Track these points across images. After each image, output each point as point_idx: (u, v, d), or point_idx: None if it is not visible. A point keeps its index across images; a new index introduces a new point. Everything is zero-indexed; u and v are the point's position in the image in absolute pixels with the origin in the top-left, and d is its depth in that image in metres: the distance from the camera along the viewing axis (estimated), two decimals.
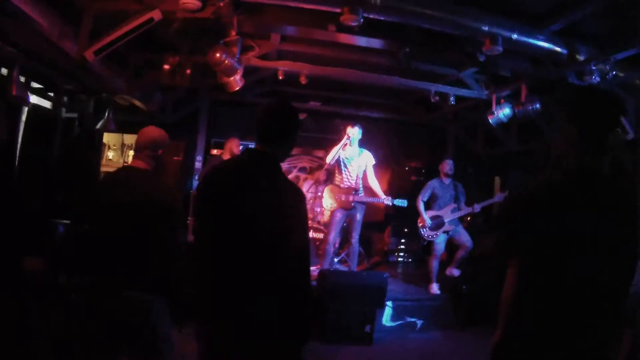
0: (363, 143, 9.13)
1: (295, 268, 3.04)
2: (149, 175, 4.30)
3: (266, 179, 3.10)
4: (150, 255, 4.03)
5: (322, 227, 10.29)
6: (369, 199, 9.19)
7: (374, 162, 9.18)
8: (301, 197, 3.21)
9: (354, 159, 9.06)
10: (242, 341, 2.98)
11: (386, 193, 9.09)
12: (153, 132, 4.45)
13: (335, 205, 9.07)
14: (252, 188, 3.06)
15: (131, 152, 14.96)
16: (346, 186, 9.04)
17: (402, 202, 9.10)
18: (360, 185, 9.09)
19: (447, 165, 9.59)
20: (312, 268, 9.36)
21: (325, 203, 9.71)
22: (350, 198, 8.92)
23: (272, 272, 2.97)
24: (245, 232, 2.98)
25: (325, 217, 10.43)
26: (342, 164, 9.12)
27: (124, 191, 4.10)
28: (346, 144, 8.94)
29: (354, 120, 9.37)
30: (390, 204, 9.02)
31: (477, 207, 9.24)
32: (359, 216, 9.10)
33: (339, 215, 9.05)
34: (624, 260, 2.65)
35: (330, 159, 8.97)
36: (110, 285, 3.96)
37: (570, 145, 2.81)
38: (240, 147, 9.71)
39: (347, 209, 9.00)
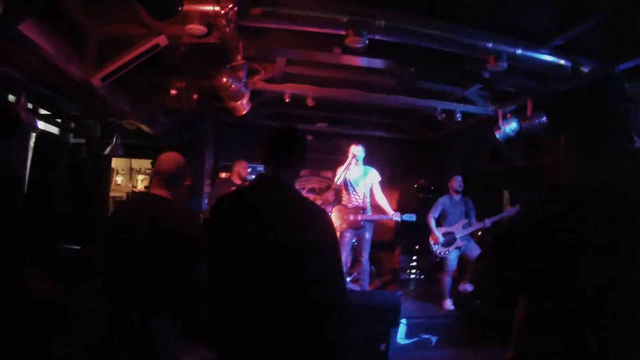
0: (369, 162, 9.15)
1: (325, 292, 2.90)
2: (172, 205, 4.27)
3: (281, 203, 3.05)
4: (171, 285, 4.02)
5: None
6: (378, 217, 9.21)
7: (379, 179, 9.21)
8: (322, 216, 3.10)
9: (360, 177, 9.09)
10: None
11: (394, 211, 9.07)
12: (177, 159, 4.43)
13: (344, 225, 9.06)
14: (268, 213, 2.99)
15: (140, 177, 15.04)
16: (354, 205, 9.05)
17: (410, 217, 9.10)
18: (368, 204, 9.10)
19: (457, 182, 9.62)
20: None
21: (335, 223, 9.71)
22: (359, 217, 8.93)
23: (298, 299, 2.83)
24: (265, 259, 2.87)
25: None
26: (348, 183, 9.14)
27: (147, 220, 4.06)
28: (351, 163, 8.95)
29: (358, 140, 9.38)
30: (399, 219, 9.01)
31: (487, 222, 9.23)
32: (367, 235, 9.10)
33: (348, 235, 9.05)
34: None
35: (338, 179, 8.99)
36: (122, 310, 3.96)
37: (561, 158, 2.54)
38: (249, 169, 9.73)
39: (356, 228, 8.99)
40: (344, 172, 9.01)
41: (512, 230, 2.56)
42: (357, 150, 8.93)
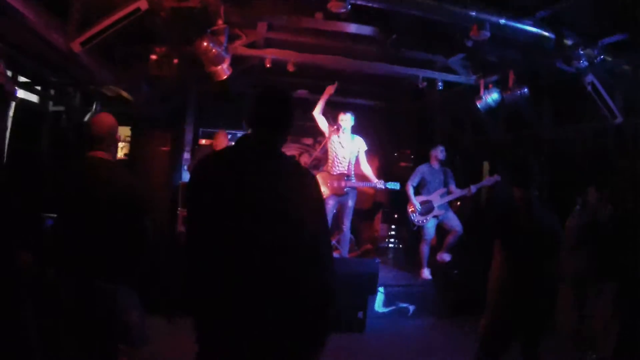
0: (353, 130, 9.11)
1: (311, 257, 2.84)
2: (113, 164, 4.30)
3: (267, 164, 2.96)
4: (114, 244, 4.01)
5: None
6: (362, 184, 9.21)
7: (366, 148, 9.19)
8: (309, 178, 3.06)
9: (346, 145, 9.07)
10: (246, 341, 2.78)
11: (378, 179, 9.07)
12: (110, 120, 4.41)
13: (327, 192, 9.04)
14: (253, 174, 2.89)
15: (120, 144, 14.93)
16: (338, 172, 9.03)
17: (394, 185, 9.11)
18: (353, 172, 9.09)
19: (440, 151, 9.60)
20: None
21: None
22: (343, 184, 8.92)
23: (282, 263, 2.78)
24: (249, 221, 2.79)
25: None
26: (334, 150, 9.12)
27: (90, 182, 4.08)
28: (337, 131, 8.94)
29: (344, 108, 9.34)
30: (383, 187, 9.01)
31: (473, 189, 9.29)
32: (350, 203, 9.10)
33: (330, 202, 9.01)
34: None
35: (317, 112, 9.24)
36: (76, 275, 3.96)
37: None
38: (229, 137, 9.70)
39: (340, 195, 8.99)
40: (329, 139, 9.05)
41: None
42: (345, 119, 8.92)
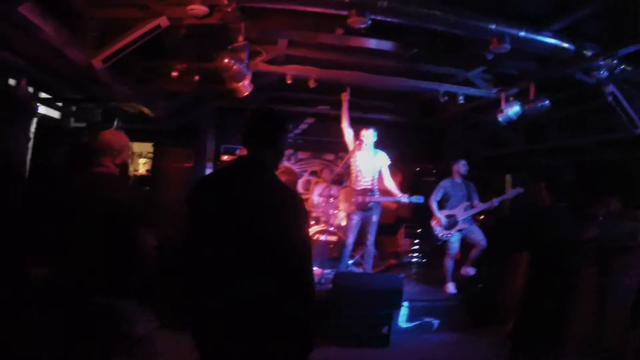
0: (375, 145, 9.09)
1: (293, 271, 2.99)
2: (112, 178, 4.34)
3: (254, 183, 3.09)
4: (111, 257, 4.05)
5: (335, 230, 10.28)
6: (385, 198, 9.20)
7: (389, 162, 9.18)
8: (293, 198, 3.17)
9: (369, 160, 9.05)
10: (237, 348, 2.95)
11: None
12: (112, 135, 4.50)
13: (352, 207, 9.03)
14: (241, 193, 3.04)
15: (141, 160, 15.02)
16: (361, 187, 9.03)
17: (418, 199, 9.08)
18: (376, 187, 9.07)
19: (462, 165, 9.58)
20: (326, 271, 9.37)
21: (341, 206, 9.67)
22: (367, 199, 8.91)
23: (266, 277, 2.93)
24: (237, 238, 2.95)
25: (339, 219, 10.41)
26: (356, 166, 9.11)
27: (87, 196, 4.14)
28: (360, 147, 8.94)
29: (364, 124, 9.34)
30: (407, 201, 8.98)
31: (495, 202, 9.24)
32: (374, 218, 9.09)
33: (355, 217, 9.03)
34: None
35: (345, 124, 9.31)
36: (76, 288, 3.98)
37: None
38: None
39: (364, 210, 8.98)
40: (352, 155, 9.07)
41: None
42: (367, 135, 8.94)
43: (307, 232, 3.31)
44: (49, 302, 4.20)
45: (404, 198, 8.93)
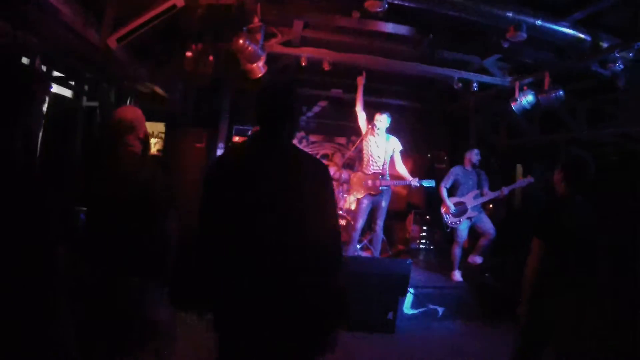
0: (388, 130, 9.08)
1: (322, 249, 2.96)
2: (139, 159, 4.28)
3: (271, 158, 3.02)
4: (139, 239, 4.03)
5: (344, 214, 10.29)
6: (396, 182, 9.19)
7: (401, 148, 9.15)
8: (321, 169, 3.12)
9: (381, 145, 9.04)
10: (263, 331, 2.88)
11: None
12: (133, 111, 4.38)
13: (362, 191, 9.04)
14: (257, 168, 2.98)
15: (153, 140, 15.02)
16: (372, 172, 9.03)
17: (429, 183, 9.09)
18: (387, 171, 9.06)
19: (475, 154, 9.56)
20: None
21: (352, 191, 9.68)
22: (378, 183, 8.91)
23: (293, 255, 2.88)
24: (262, 217, 2.89)
25: (349, 203, 10.42)
26: (368, 150, 9.12)
27: (115, 176, 4.09)
28: (372, 131, 8.94)
29: (379, 108, 9.31)
30: (418, 184, 8.96)
31: (505, 190, 9.18)
32: (384, 203, 9.08)
33: (365, 202, 9.04)
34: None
35: (359, 108, 9.24)
36: (104, 270, 3.98)
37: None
38: None
39: (375, 194, 8.99)
40: (365, 139, 9.07)
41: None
42: (380, 119, 8.89)
43: (334, 201, 3.20)
44: (73, 286, 4.21)
45: (415, 182, 8.90)
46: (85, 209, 4.35)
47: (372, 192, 8.96)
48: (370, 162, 9.08)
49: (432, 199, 9.99)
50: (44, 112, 7.50)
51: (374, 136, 9.01)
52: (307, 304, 2.91)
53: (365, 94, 9.36)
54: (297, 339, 2.92)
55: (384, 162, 9.02)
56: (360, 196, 9.12)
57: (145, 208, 4.05)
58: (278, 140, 3.09)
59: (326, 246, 3.00)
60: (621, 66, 6.94)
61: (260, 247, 2.88)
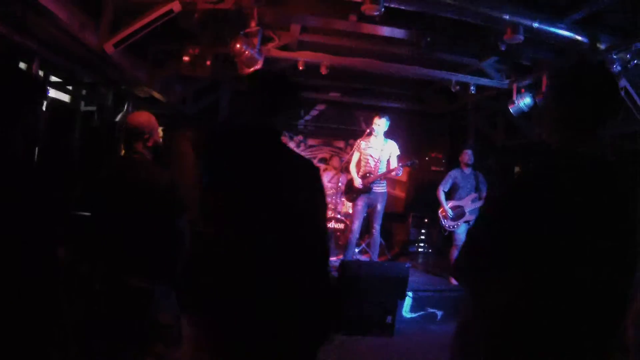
0: (386, 134, 9.09)
1: (309, 253, 2.86)
2: (151, 164, 4.29)
3: (266, 154, 2.94)
4: (152, 243, 4.04)
5: (342, 218, 10.28)
6: (382, 174, 9.09)
7: (398, 152, 9.17)
8: (311, 170, 2.99)
9: (377, 147, 9.05)
10: (244, 340, 2.78)
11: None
12: (149, 117, 4.38)
13: (354, 195, 9.05)
14: (252, 165, 2.89)
15: None
16: (363, 171, 9.11)
17: (412, 162, 9.25)
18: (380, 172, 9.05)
19: (467, 156, 9.54)
20: (333, 259, 9.36)
21: (346, 194, 9.68)
22: (365, 180, 8.96)
23: (280, 259, 2.76)
24: (249, 214, 2.82)
25: (346, 207, 10.43)
26: (362, 151, 9.16)
27: (129, 182, 4.11)
28: (370, 135, 8.95)
29: (377, 111, 9.32)
30: (401, 171, 9.00)
31: None
32: (380, 206, 9.09)
33: (360, 203, 9.07)
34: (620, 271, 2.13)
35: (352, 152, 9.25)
36: (112, 274, 4.00)
37: (553, 124, 2.53)
38: None
39: (366, 192, 9.00)
40: (360, 143, 9.13)
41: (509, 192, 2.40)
42: (379, 123, 8.90)
43: (323, 202, 3.08)
44: (80, 288, 4.20)
45: (398, 170, 8.90)
46: (85, 213, 4.35)
47: (362, 191, 9.00)
48: (362, 162, 9.15)
49: (430, 202, 9.97)
50: (42, 116, 7.49)
51: (370, 139, 9.04)
52: (295, 305, 2.82)
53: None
54: (285, 341, 2.83)
55: (377, 163, 9.02)
56: (354, 198, 9.16)
57: (161, 213, 4.09)
58: (270, 135, 3.00)
59: (313, 246, 2.90)
60: (619, 68, 6.94)
61: (245, 244, 2.81)
